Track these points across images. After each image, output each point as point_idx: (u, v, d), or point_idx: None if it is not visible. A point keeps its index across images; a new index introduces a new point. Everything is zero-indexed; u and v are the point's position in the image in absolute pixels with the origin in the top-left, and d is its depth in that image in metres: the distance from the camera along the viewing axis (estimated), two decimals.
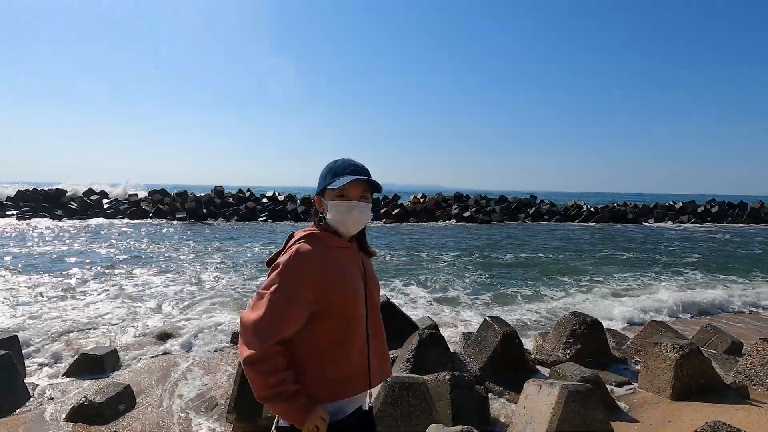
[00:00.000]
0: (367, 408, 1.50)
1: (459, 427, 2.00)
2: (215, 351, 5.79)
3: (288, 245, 1.47)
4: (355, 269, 1.50)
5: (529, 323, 7.33)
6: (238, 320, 1.40)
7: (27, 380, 4.73)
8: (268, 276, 1.41)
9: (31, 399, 4.41)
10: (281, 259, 1.41)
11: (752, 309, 8.36)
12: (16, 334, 5.84)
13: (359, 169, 1.48)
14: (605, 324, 6.20)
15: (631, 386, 4.72)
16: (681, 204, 36.95)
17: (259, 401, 1.35)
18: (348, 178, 1.44)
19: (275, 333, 1.34)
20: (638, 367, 5.02)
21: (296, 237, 1.48)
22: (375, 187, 1.51)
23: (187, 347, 5.92)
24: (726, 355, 5.73)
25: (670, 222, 32.82)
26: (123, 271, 11.03)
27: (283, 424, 1.41)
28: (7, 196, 31.06)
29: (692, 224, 30.96)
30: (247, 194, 33.35)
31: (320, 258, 1.40)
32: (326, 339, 1.43)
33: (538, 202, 36.50)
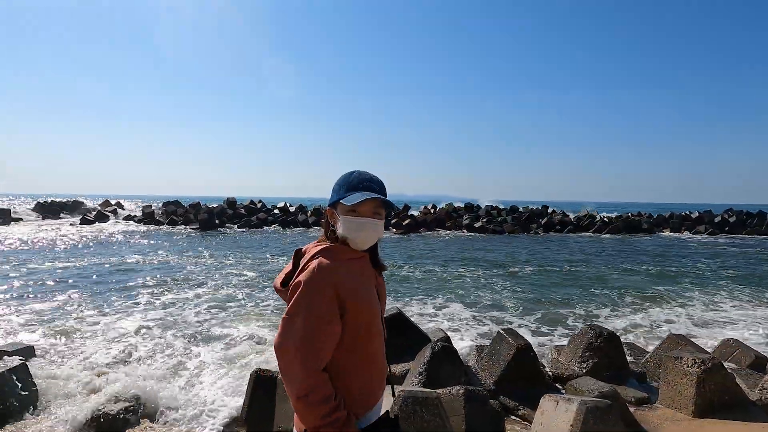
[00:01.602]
0: (392, 416, 1.46)
1: None
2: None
3: (303, 263, 1.43)
4: (370, 279, 1.49)
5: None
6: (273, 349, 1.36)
7: (41, 389, 4.77)
8: (291, 297, 1.35)
9: (43, 406, 4.46)
10: (302, 278, 1.35)
11: None
12: (32, 345, 5.94)
13: (373, 185, 1.45)
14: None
15: (650, 402, 4.57)
16: (698, 214, 36.24)
17: (311, 430, 1.32)
18: (361, 195, 1.41)
19: (320, 359, 1.32)
20: (658, 383, 4.87)
21: (310, 253, 1.44)
22: (388, 205, 1.49)
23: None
24: (750, 370, 5.54)
25: (687, 232, 32.16)
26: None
27: None
28: (26, 208, 31.85)
29: (708, 235, 30.23)
30: (259, 205, 33.67)
31: (340, 271, 1.38)
32: (353, 353, 1.40)
33: (550, 212, 36.13)
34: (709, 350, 5.92)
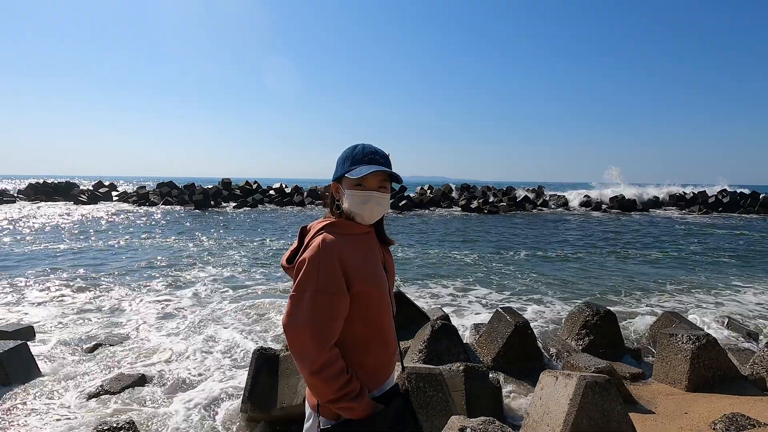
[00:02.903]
0: (403, 390, 1.47)
1: (482, 418, 1.98)
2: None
3: (307, 239, 1.41)
4: (377, 254, 1.48)
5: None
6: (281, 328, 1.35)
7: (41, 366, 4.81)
8: (297, 274, 1.34)
9: (44, 376, 4.52)
10: (307, 255, 1.34)
11: None
12: (32, 325, 5.94)
13: (379, 158, 1.42)
14: None
15: (645, 378, 4.68)
16: (692, 194, 36.47)
17: (325, 405, 1.34)
18: (367, 168, 1.38)
19: (331, 334, 1.31)
20: (653, 359, 4.97)
21: (315, 228, 1.42)
22: (394, 177, 1.46)
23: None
24: (742, 346, 5.66)
25: (679, 211, 32.46)
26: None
27: (325, 425, 1.37)
28: (19, 189, 31.47)
29: (700, 215, 30.51)
30: (254, 186, 33.46)
31: (345, 246, 1.37)
32: (364, 328, 1.40)
33: (545, 192, 36.24)
34: (702, 327, 6.04)
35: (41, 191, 30.11)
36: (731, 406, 3.74)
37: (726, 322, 6.48)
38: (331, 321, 1.31)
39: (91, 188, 32.56)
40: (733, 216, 29.57)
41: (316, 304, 1.29)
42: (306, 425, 1.45)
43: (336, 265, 1.32)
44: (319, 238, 1.36)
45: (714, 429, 3.43)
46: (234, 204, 28.51)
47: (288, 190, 33.51)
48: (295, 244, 1.47)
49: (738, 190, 36.64)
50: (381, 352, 1.43)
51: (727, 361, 4.38)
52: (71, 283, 8.74)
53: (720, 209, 32.63)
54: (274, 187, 34.35)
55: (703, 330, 5.21)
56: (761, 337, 5.94)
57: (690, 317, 6.53)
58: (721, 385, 4.22)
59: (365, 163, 1.40)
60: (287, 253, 1.48)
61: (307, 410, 1.46)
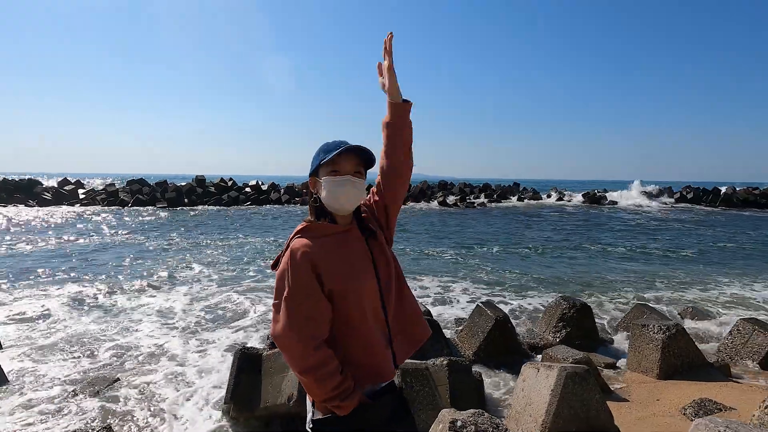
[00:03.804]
0: (397, 387, 1.52)
1: (471, 410, 2.02)
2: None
3: (285, 248, 1.47)
4: (358, 251, 1.47)
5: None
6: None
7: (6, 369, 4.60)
8: (275, 284, 1.41)
9: (9, 383, 4.32)
10: (281, 266, 1.41)
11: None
12: None
13: (350, 145, 1.47)
14: None
15: (619, 367, 4.86)
16: (658, 189, 37.98)
17: (321, 403, 1.37)
18: (339, 148, 1.43)
19: (315, 333, 1.36)
20: (626, 348, 5.16)
21: (291, 234, 1.47)
22: (369, 161, 1.50)
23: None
24: (708, 334, 5.95)
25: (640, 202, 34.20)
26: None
27: (318, 416, 1.40)
28: None
29: (658, 203, 32.47)
30: (230, 183, 32.78)
31: (317, 249, 1.39)
32: (350, 328, 1.42)
33: (521, 189, 37.01)
34: (671, 317, 6.31)
35: (1, 189, 28.62)
36: (699, 392, 3.93)
37: (692, 312, 6.79)
38: (311, 321, 1.35)
39: (56, 186, 31.18)
40: (694, 208, 31.13)
41: (292, 308, 1.34)
42: (308, 417, 1.48)
43: (305, 269, 1.36)
44: (288, 250, 1.41)
45: (684, 414, 3.60)
46: (209, 203, 27.88)
47: (264, 188, 33.01)
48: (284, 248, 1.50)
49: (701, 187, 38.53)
50: (370, 349, 1.44)
51: (695, 350, 4.60)
52: (38, 288, 8.37)
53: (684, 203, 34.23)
54: (250, 184, 33.76)
55: (672, 321, 5.44)
56: (725, 325, 6.25)
57: (659, 308, 6.80)
58: (690, 372, 4.43)
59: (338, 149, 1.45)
60: (277, 258, 1.51)
61: (308, 401, 1.49)
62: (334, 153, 1.42)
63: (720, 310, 7.24)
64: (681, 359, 4.49)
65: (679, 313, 6.87)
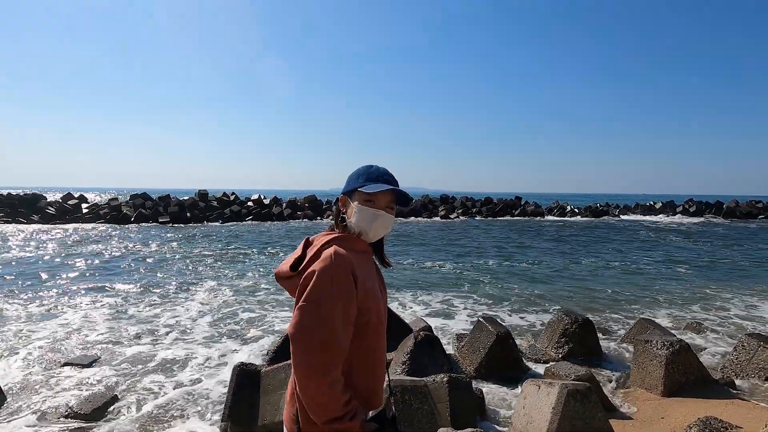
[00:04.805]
0: (390, 416, 1.43)
1: (469, 429, 1.99)
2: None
3: (313, 251, 1.39)
4: (374, 274, 1.49)
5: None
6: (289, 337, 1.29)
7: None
8: (305, 284, 1.31)
9: (7, 401, 4.27)
10: (318, 266, 1.31)
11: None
12: None
13: (391, 180, 1.48)
14: None
15: (623, 383, 4.78)
16: (660, 204, 37.93)
17: (324, 424, 1.27)
18: (382, 186, 1.42)
19: (343, 350, 1.29)
20: (630, 364, 5.09)
21: (322, 240, 1.41)
22: (403, 200, 1.51)
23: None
24: (713, 350, 5.87)
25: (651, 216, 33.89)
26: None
27: None
28: None
29: (665, 216, 32.16)
30: (232, 197, 32.89)
31: (355, 261, 1.37)
32: (359, 349, 1.37)
33: (523, 203, 36.99)
34: (675, 333, 6.23)
35: (5, 204, 28.78)
36: (705, 410, 3.86)
37: (697, 327, 6.71)
38: (344, 336, 1.28)
39: (60, 200, 31.35)
40: (710, 221, 31.07)
41: (330, 317, 1.26)
42: None
43: (349, 275, 1.31)
44: (330, 249, 1.35)
45: None
46: (211, 217, 27.95)
47: (266, 201, 33.12)
48: (297, 252, 1.44)
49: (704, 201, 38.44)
50: (375, 374, 1.42)
51: (700, 366, 4.53)
52: (36, 302, 8.37)
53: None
54: (252, 198, 33.88)
55: (676, 336, 5.38)
56: (730, 340, 6.17)
57: (663, 323, 6.73)
58: (695, 389, 4.35)
59: (380, 182, 1.45)
60: (290, 260, 1.43)
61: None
62: (376, 190, 1.41)
63: (725, 325, 7.15)
64: (686, 376, 4.42)
65: (683, 329, 6.78)
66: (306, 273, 1.33)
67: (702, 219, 32.41)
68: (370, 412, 1.38)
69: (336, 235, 1.44)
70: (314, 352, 1.25)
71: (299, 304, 1.30)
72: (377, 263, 1.59)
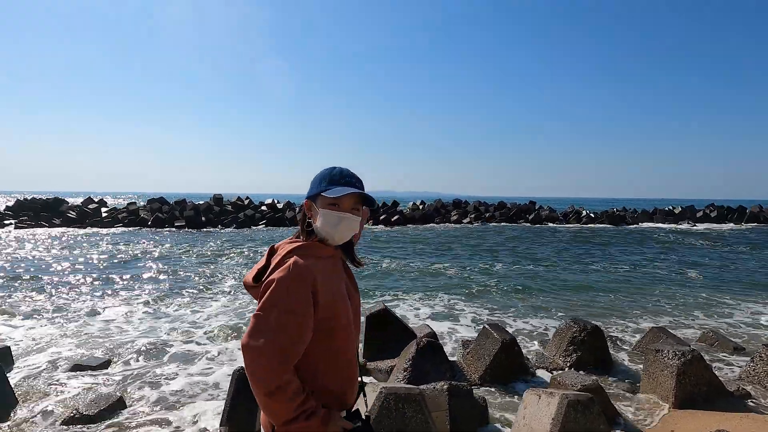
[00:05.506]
0: (364, 417, 1.44)
1: None
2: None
3: (276, 260, 1.40)
4: (341, 277, 1.48)
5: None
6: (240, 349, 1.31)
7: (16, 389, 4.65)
8: (263, 294, 1.33)
9: (19, 405, 4.34)
10: (276, 275, 1.33)
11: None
12: (8, 345, 5.78)
13: (354, 182, 1.47)
14: None
15: (633, 394, 4.64)
16: (680, 209, 36.95)
17: (281, 426, 1.29)
18: (344, 189, 1.41)
19: (294, 356, 1.30)
20: (640, 374, 4.94)
21: (285, 250, 1.41)
22: (368, 201, 1.50)
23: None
24: (728, 361, 5.66)
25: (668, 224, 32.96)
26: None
27: None
28: (6, 206, 31.06)
29: (688, 224, 31.17)
30: (246, 202, 33.30)
31: (315, 269, 1.37)
32: (330, 353, 1.39)
33: (537, 207, 36.50)
34: (689, 342, 6.03)
35: (29, 208, 29.71)
36: (717, 424, 3.71)
37: (712, 337, 6.48)
38: (293, 342, 1.29)
39: (80, 205, 32.18)
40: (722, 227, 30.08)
41: (282, 325, 1.27)
42: None
43: (307, 288, 1.32)
44: (291, 260, 1.35)
45: None
46: (225, 221, 28.33)
47: (280, 206, 33.42)
48: (262, 263, 1.45)
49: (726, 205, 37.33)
50: (345, 376, 1.42)
51: (713, 377, 4.37)
52: (49, 304, 8.56)
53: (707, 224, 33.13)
54: (266, 202, 34.23)
55: (689, 345, 5.20)
56: (747, 351, 5.94)
57: (676, 332, 6.52)
58: (708, 401, 4.19)
59: (342, 184, 1.44)
60: (253, 271, 1.45)
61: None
62: (337, 195, 1.40)
63: (741, 334, 6.89)
64: (698, 387, 4.26)
65: (698, 340, 6.56)
66: (265, 282, 1.35)
67: (731, 226, 31.33)
68: (342, 413, 1.40)
69: (299, 243, 1.43)
70: (262, 362, 1.26)
71: (254, 312, 1.31)
72: (348, 264, 1.59)
